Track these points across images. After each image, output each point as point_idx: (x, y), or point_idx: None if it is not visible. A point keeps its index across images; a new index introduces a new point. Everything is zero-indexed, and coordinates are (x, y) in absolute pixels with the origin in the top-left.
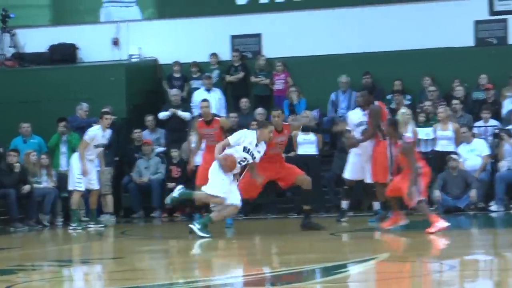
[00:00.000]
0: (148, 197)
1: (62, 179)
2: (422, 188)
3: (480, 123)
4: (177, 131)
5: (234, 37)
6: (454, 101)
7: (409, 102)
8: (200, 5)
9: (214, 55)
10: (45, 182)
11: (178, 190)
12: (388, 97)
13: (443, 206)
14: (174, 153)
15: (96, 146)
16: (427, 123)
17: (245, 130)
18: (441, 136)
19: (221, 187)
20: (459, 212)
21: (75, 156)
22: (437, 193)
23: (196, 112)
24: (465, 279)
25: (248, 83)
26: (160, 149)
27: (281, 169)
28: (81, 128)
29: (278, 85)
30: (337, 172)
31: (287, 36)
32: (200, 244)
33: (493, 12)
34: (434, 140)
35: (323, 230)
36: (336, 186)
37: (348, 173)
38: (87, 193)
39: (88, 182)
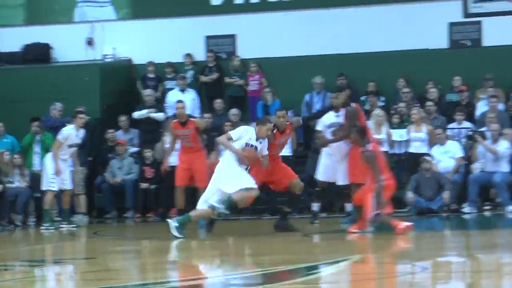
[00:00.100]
0: (121, 198)
1: (35, 179)
2: (382, 201)
3: (453, 125)
4: (150, 132)
5: (208, 38)
6: (428, 103)
7: (383, 104)
8: (174, 5)
9: (188, 55)
10: (18, 182)
11: (219, 205)
12: (362, 98)
13: (416, 207)
14: (148, 153)
15: (70, 146)
16: (401, 124)
17: (245, 126)
18: (415, 137)
19: (247, 178)
20: (432, 213)
21: (49, 156)
22: (410, 195)
23: (170, 112)
24: (437, 281)
25: (223, 84)
26: (134, 149)
27: (276, 171)
28: (55, 128)
29: (253, 86)
30: (310, 173)
31: (261, 37)
32: (173, 245)
33: (467, 14)
34: (407, 142)
35: (296, 232)
36: (310, 187)
37: (320, 174)
38: (60, 193)
39: (61, 182)
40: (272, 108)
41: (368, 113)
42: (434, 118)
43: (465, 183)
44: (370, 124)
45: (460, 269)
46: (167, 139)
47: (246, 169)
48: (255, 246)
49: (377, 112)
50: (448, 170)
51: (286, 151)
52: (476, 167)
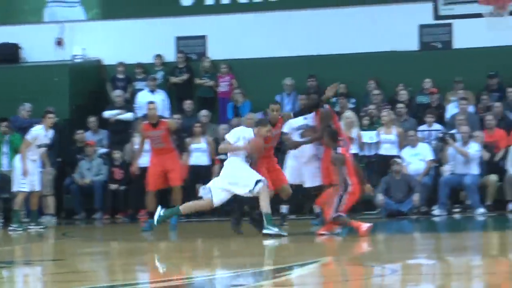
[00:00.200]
0: (90, 199)
1: (3, 179)
2: (344, 205)
3: (424, 127)
4: (120, 133)
5: (179, 39)
6: (399, 105)
7: (353, 106)
8: (144, 6)
9: (158, 56)
10: None
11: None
12: (333, 100)
13: (386, 210)
14: (117, 154)
15: (39, 146)
16: (371, 126)
17: (241, 127)
18: (385, 139)
19: (255, 174)
20: (402, 216)
21: (18, 157)
22: (380, 197)
23: (140, 113)
24: (407, 283)
25: (193, 85)
26: (103, 150)
27: (271, 172)
28: (24, 129)
29: (223, 87)
30: None
31: (232, 38)
32: (142, 246)
33: (437, 17)
34: (377, 144)
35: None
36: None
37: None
38: (28, 194)
39: (30, 183)
40: (242, 110)
41: (338, 115)
42: (404, 120)
43: (435, 185)
44: (341, 126)
45: (430, 271)
46: (136, 140)
47: (250, 164)
48: (224, 248)
49: (348, 114)
50: (418, 172)
51: None
52: (446, 169)
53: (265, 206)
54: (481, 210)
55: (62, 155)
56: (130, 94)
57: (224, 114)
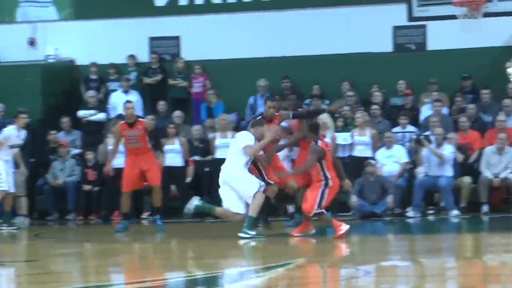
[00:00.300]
0: (63, 200)
1: None
2: (325, 201)
3: (397, 129)
4: (93, 133)
5: (152, 39)
6: (374, 107)
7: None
8: (118, 6)
9: (131, 56)
10: None
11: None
12: (307, 101)
13: (360, 211)
14: (89, 155)
15: (11, 147)
16: (345, 128)
17: (245, 131)
18: (359, 141)
19: (255, 181)
20: (375, 217)
21: None
22: (354, 199)
23: (113, 114)
24: (380, 285)
25: (166, 86)
26: (76, 151)
27: (276, 170)
28: None
29: (196, 88)
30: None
31: (206, 39)
32: (116, 247)
33: (412, 18)
34: (351, 145)
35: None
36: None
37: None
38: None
39: (5, 183)
40: (216, 111)
41: None
42: (378, 122)
43: (409, 187)
44: None
45: (404, 273)
46: (110, 141)
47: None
48: (198, 249)
49: (321, 116)
50: (392, 174)
51: None
52: (420, 171)
53: (253, 209)
54: (455, 212)
55: (35, 155)
56: (103, 95)
57: (198, 115)
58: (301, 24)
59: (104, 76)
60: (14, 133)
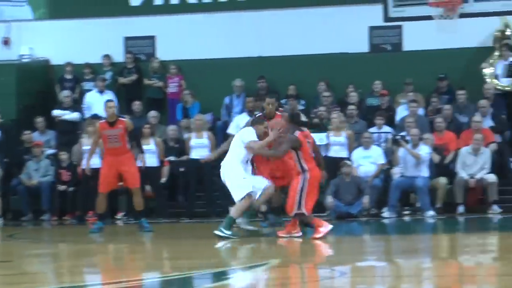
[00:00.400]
0: (37, 200)
1: None
2: (305, 197)
3: (373, 129)
4: (67, 133)
5: (127, 39)
6: (350, 107)
7: (303, 107)
8: (93, 5)
9: (107, 56)
10: None
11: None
12: (283, 101)
13: (336, 212)
14: (64, 155)
15: None
16: (321, 128)
17: (249, 127)
18: (334, 142)
19: (246, 185)
20: (351, 218)
21: None
22: (329, 199)
23: (87, 114)
24: (356, 286)
25: (141, 86)
26: (50, 151)
27: (281, 168)
28: None
29: (172, 88)
30: None
31: (181, 39)
32: (90, 248)
33: (388, 19)
34: (327, 146)
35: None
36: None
37: None
38: None
39: None
40: (191, 111)
41: None
42: (355, 122)
43: (385, 187)
44: None
45: (379, 273)
46: (84, 141)
47: (253, 166)
48: (174, 250)
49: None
50: (368, 174)
51: (205, 154)
52: (396, 171)
53: (235, 211)
54: (431, 212)
55: (9, 155)
56: (78, 95)
57: (173, 115)
58: (277, 24)
59: (79, 76)
60: None
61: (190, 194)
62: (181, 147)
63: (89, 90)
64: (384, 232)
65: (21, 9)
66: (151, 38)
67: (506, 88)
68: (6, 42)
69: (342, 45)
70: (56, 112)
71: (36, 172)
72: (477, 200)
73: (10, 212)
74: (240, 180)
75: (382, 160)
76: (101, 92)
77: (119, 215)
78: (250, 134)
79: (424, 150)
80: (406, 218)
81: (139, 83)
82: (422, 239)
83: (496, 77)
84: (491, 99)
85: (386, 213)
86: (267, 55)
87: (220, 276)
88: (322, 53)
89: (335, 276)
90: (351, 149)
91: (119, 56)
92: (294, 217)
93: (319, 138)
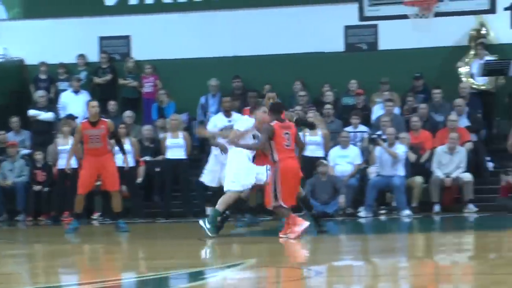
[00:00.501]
0: (12, 200)
1: None
2: (279, 190)
3: (349, 128)
4: (42, 133)
5: (102, 39)
6: (326, 106)
7: None
8: (67, 5)
9: (81, 56)
10: None
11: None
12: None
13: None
14: (39, 156)
15: None
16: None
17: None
18: (310, 141)
19: (239, 179)
20: (327, 217)
21: None
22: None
23: (62, 114)
24: (332, 285)
25: (116, 86)
26: (25, 151)
27: None
28: None
29: (147, 87)
30: None
31: (156, 39)
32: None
33: (363, 18)
34: None
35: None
36: (205, 191)
37: (208, 181)
38: None
39: None
40: (167, 110)
41: None
42: (331, 121)
43: (362, 186)
44: None
45: (356, 273)
46: (59, 141)
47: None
48: (150, 250)
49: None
50: (345, 174)
51: (181, 154)
52: (372, 171)
53: (222, 204)
54: (407, 212)
55: None
56: (53, 95)
57: (149, 115)
58: (252, 24)
59: (53, 75)
60: None
61: (166, 194)
62: (157, 147)
63: (64, 90)
64: (360, 231)
65: None
66: (126, 38)
67: (482, 87)
68: None
69: (317, 44)
70: (32, 112)
71: (11, 173)
72: (452, 199)
73: None
74: (239, 173)
75: (359, 160)
76: (76, 92)
77: (95, 216)
78: (243, 123)
79: (400, 149)
80: (382, 218)
81: (114, 83)
82: (398, 238)
83: (471, 76)
84: (466, 98)
85: (362, 212)
86: (243, 55)
87: (196, 276)
88: (298, 52)
89: (311, 275)
90: (326, 148)
91: (93, 56)
92: (274, 210)
93: None
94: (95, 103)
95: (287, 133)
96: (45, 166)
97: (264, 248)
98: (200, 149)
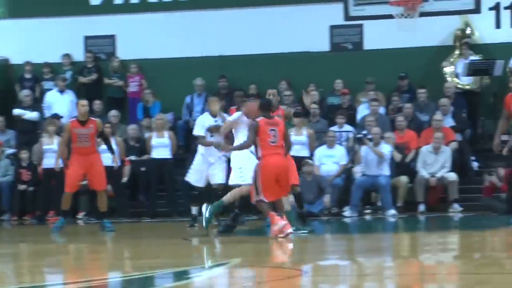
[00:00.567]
0: None
1: None
2: (259, 185)
3: (334, 128)
4: (27, 133)
5: (87, 38)
6: (312, 106)
7: None
8: (52, 4)
9: (66, 55)
10: None
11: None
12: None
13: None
14: (24, 155)
15: None
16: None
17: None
18: (295, 141)
19: (240, 174)
20: (312, 217)
21: None
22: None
23: (47, 113)
24: (318, 285)
25: (102, 85)
26: (10, 150)
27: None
28: None
29: (133, 87)
30: None
31: (142, 38)
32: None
33: (348, 17)
34: None
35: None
36: (190, 190)
37: (193, 181)
38: None
39: None
40: (152, 110)
41: None
42: (316, 121)
43: (347, 186)
44: None
45: (341, 272)
46: (45, 140)
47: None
48: (135, 249)
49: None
50: (330, 173)
51: (166, 154)
52: (357, 170)
53: (229, 197)
54: (392, 211)
55: None
56: (38, 94)
57: (134, 114)
58: (237, 23)
59: (38, 75)
60: None
61: (152, 194)
62: (142, 147)
63: (49, 90)
64: (345, 231)
65: None
66: (111, 37)
67: (467, 87)
68: None
69: (303, 44)
70: (17, 112)
71: None
72: (437, 199)
73: None
74: (244, 168)
75: (345, 160)
76: (61, 91)
77: (80, 215)
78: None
79: (385, 149)
80: (368, 217)
81: (99, 82)
82: (384, 238)
83: (456, 75)
84: (451, 98)
85: (347, 212)
86: (228, 54)
87: (181, 275)
88: (283, 52)
89: (296, 275)
90: (312, 148)
91: (79, 55)
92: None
93: None
94: (85, 102)
95: (273, 130)
96: (30, 165)
97: (249, 248)
98: (185, 148)
